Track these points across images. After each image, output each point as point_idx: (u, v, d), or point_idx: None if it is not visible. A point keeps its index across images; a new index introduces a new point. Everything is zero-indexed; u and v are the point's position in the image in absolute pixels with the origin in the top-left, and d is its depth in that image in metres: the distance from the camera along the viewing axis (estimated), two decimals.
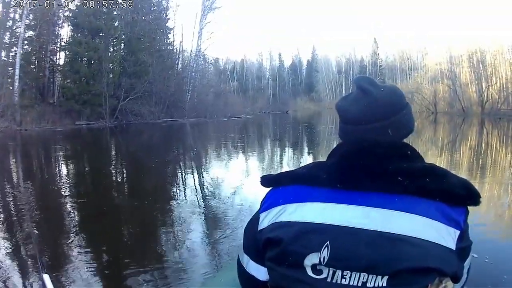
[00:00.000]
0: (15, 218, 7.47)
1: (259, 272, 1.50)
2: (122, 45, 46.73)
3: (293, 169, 1.53)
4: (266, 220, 1.43)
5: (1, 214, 7.74)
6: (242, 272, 1.58)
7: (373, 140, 1.38)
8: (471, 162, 14.60)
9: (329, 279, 1.27)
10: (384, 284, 1.22)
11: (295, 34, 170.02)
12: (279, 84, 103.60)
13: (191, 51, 57.04)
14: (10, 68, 37.03)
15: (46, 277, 2.59)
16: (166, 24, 54.19)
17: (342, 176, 1.35)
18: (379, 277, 1.23)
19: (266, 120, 55.92)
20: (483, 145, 20.79)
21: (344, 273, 1.25)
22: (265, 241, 1.41)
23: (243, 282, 1.62)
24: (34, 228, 6.79)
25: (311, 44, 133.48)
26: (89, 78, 38.90)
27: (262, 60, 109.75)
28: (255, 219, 1.50)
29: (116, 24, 44.01)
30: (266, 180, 1.53)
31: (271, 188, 1.52)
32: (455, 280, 1.38)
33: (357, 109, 1.45)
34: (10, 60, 37.43)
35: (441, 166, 1.39)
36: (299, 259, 1.30)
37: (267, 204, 1.46)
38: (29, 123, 33.66)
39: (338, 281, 1.26)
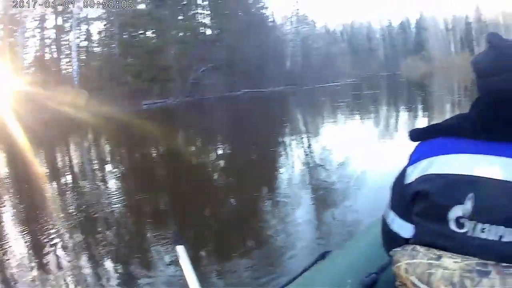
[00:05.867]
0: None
1: (404, 228, 1.43)
2: (205, 11, 40.77)
3: (439, 122, 1.46)
4: (414, 174, 1.37)
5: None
6: (386, 229, 1.51)
7: (509, 90, 1.29)
8: None
9: (469, 233, 1.21)
10: None
11: None
12: (389, 44, 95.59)
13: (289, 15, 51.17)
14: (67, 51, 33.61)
15: (180, 248, 2.43)
16: None
17: (485, 127, 1.29)
18: None
19: (380, 88, 41.32)
20: None
21: (484, 226, 1.19)
22: (413, 195, 1.36)
23: (386, 240, 1.55)
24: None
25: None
26: (154, 51, 33.03)
27: (371, 21, 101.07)
28: (402, 174, 1.44)
29: None
30: (414, 134, 1.46)
31: (419, 142, 1.45)
32: None
33: (486, 62, 1.38)
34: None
35: None
36: (444, 212, 1.25)
37: (416, 157, 1.40)
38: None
39: (477, 235, 1.20)
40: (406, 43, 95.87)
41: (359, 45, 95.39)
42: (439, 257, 1.23)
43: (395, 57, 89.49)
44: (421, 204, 1.32)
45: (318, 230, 5.56)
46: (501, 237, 1.16)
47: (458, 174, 1.25)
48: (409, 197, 1.37)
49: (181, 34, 35.26)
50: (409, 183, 1.37)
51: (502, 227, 1.16)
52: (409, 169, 1.39)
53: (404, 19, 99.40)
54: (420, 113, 18.51)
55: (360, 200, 6.49)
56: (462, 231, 1.21)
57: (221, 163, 11.65)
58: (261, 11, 48.01)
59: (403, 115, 18.49)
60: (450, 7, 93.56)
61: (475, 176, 1.22)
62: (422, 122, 14.34)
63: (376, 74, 71.14)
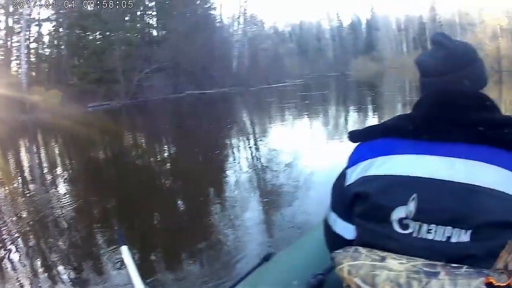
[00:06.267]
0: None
1: (346, 230, 1.44)
2: (152, 12, 40.53)
3: (380, 122, 1.48)
4: (354, 175, 1.38)
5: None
6: (329, 231, 1.53)
7: (454, 91, 1.35)
8: None
9: (415, 234, 1.21)
10: (467, 239, 1.16)
11: None
12: (339, 44, 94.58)
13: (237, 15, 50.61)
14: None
15: (124, 249, 2.43)
16: None
17: (428, 127, 1.29)
18: (463, 231, 1.16)
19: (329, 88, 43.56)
20: None
21: (430, 227, 1.19)
22: (353, 196, 1.36)
23: (329, 241, 1.56)
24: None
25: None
26: (100, 53, 32.54)
27: (321, 21, 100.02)
28: (342, 175, 1.45)
29: None
30: (353, 135, 1.47)
31: (358, 143, 1.45)
32: None
33: (434, 61, 1.43)
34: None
35: None
36: (386, 213, 1.25)
37: (355, 159, 1.41)
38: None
39: (423, 236, 1.20)
40: (357, 43, 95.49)
41: (308, 46, 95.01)
42: (383, 259, 1.21)
43: (345, 58, 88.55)
44: (362, 206, 1.32)
45: (264, 230, 5.66)
46: (449, 237, 1.16)
47: (399, 175, 1.25)
48: (349, 199, 1.37)
49: (128, 35, 34.62)
50: (349, 185, 1.37)
51: (449, 228, 1.16)
52: (349, 171, 1.39)
53: (354, 19, 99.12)
54: (367, 113, 18.70)
55: (307, 199, 6.64)
56: (406, 232, 1.21)
57: (163, 167, 11.53)
58: (208, 11, 46.95)
59: (350, 115, 18.67)
60: (404, 6, 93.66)
61: (417, 176, 1.22)
62: (368, 122, 14.22)
63: (325, 74, 70.41)
